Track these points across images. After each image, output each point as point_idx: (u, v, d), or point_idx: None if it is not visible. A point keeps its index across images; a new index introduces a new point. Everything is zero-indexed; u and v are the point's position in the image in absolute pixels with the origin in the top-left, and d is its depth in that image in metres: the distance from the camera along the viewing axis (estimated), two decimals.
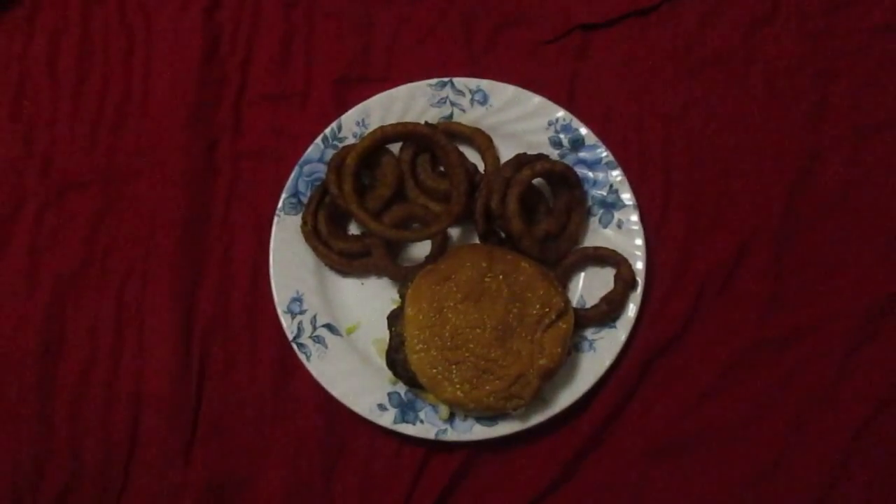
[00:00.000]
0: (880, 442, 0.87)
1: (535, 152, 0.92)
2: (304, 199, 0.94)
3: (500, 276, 0.85)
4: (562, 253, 0.91)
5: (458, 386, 0.83)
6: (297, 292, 0.92)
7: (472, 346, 0.83)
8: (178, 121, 1.00)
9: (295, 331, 0.90)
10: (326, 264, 0.93)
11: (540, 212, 0.93)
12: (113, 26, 1.05)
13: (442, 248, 0.92)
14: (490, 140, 0.95)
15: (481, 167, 0.95)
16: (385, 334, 0.88)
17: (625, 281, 0.89)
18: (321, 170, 0.95)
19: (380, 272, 0.93)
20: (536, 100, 0.95)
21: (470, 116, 0.96)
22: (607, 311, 0.89)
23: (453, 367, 0.83)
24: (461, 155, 0.93)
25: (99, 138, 1.01)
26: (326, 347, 0.90)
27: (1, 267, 0.97)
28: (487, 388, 0.83)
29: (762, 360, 0.90)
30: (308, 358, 0.89)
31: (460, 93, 0.96)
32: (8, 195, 0.99)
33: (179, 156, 0.99)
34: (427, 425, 0.87)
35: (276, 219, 0.93)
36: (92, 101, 1.02)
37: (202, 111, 1.01)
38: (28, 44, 1.05)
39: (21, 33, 1.05)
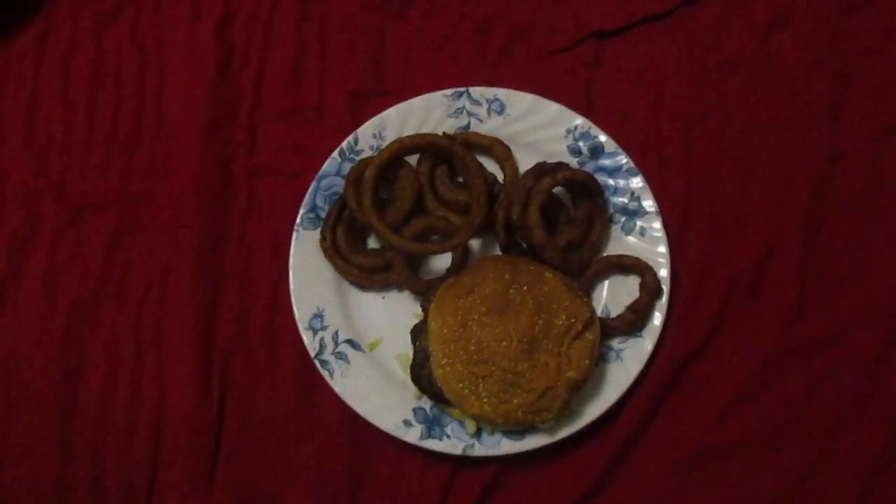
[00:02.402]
0: None
1: (553, 161, 0.91)
2: (323, 214, 0.93)
3: (525, 288, 0.84)
4: (585, 262, 0.90)
5: (485, 400, 0.82)
6: (318, 308, 0.91)
7: (498, 359, 0.82)
8: (193, 139, 0.99)
9: (317, 347, 0.89)
10: (347, 279, 0.92)
11: (561, 221, 0.92)
12: (125, 46, 1.05)
13: (463, 260, 0.91)
14: (508, 150, 0.94)
15: (500, 177, 0.94)
16: (408, 349, 0.87)
17: (650, 289, 0.88)
18: (339, 184, 0.94)
19: (401, 286, 0.92)
20: (554, 108, 0.94)
21: (487, 126, 0.96)
22: (633, 321, 0.88)
23: (480, 381, 0.82)
24: (480, 165, 0.93)
25: (113, 159, 1.01)
26: (349, 364, 0.89)
27: (18, 291, 0.96)
28: (515, 401, 0.82)
29: (791, 366, 0.89)
30: (331, 375, 0.88)
31: (477, 103, 0.96)
32: (24, 219, 0.98)
33: (194, 174, 0.98)
34: (454, 440, 0.86)
35: (294, 234, 0.92)
36: (105, 121, 1.02)
37: (216, 129, 1.00)
38: (40, 65, 1.05)
39: (32, 54, 1.05)
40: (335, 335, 0.90)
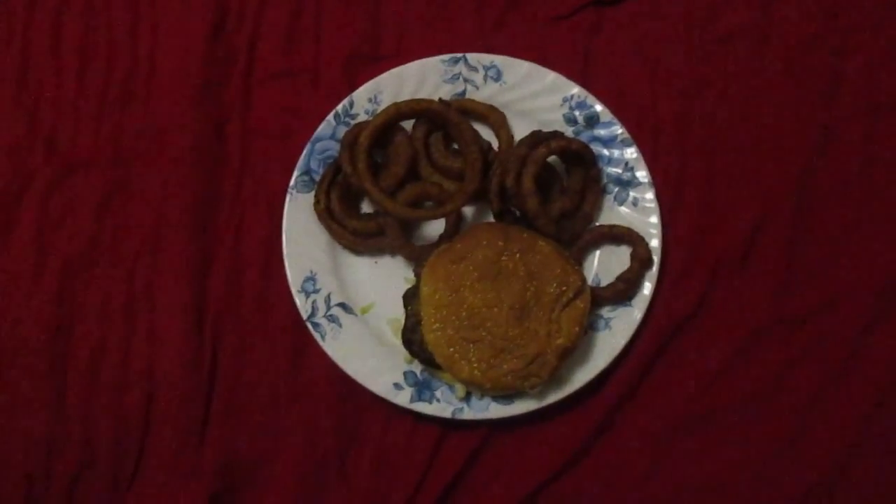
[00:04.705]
0: None
1: (549, 130, 0.91)
2: (317, 177, 0.93)
3: (517, 255, 0.85)
4: (577, 231, 0.91)
5: (475, 365, 0.83)
6: (311, 271, 0.91)
7: (489, 325, 0.83)
8: (186, 99, 0.98)
9: (309, 310, 0.90)
10: (340, 243, 0.92)
11: (555, 190, 0.92)
12: (117, 1, 1.03)
13: (456, 226, 0.92)
14: (504, 117, 0.94)
15: (495, 145, 0.94)
16: (400, 313, 0.88)
17: (641, 259, 0.89)
18: (333, 147, 0.94)
19: (394, 251, 0.92)
20: (551, 76, 0.94)
21: (483, 93, 0.95)
22: (623, 290, 0.88)
23: (470, 346, 0.83)
24: (475, 133, 0.92)
25: (105, 117, 1.00)
26: (341, 327, 0.90)
27: (8, 249, 0.95)
28: (505, 367, 0.83)
29: (778, 337, 0.90)
30: (323, 337, 0.89)
31: (473, 69, 0.95)
32: (13, 176, 0.97)
33: (188, 134, 0.97)
34: (443, 404, 0.87)
35: (288, 197, 0.92)
36: (97, 78, 1.01)
37: (210, 89, 0.99)
38: (30, 20, 1.03)
39: (23, 9, 1.03)
40: (327, 298, 0.90)
